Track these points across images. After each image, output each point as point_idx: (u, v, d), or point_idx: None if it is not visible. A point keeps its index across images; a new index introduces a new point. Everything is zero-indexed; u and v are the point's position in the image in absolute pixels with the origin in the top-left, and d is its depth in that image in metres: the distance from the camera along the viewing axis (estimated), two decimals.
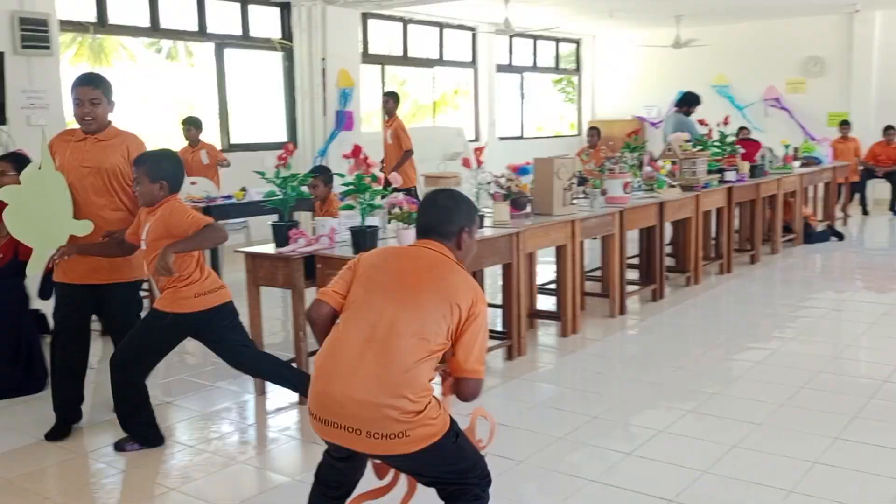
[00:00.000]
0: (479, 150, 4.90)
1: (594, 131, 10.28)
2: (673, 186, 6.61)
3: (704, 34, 13.20)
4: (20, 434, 3.97)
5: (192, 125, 7.85)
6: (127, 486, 3.50)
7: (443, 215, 2.58)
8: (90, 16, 8.28)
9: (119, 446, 3.76)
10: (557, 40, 15.03)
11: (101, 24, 8.38)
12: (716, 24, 13.34)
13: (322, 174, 5.62)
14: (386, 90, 9.72)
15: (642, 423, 3.99)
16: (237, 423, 4.22)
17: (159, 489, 3.39)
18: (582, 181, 6.11)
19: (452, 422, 2.45)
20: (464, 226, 2.59)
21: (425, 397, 2.35)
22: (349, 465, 2.59)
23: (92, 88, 3.79)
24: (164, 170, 3.58)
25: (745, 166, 7.74)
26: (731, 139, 7.83)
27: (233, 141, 9.73)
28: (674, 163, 6.92)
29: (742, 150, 7.82)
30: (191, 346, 5.85)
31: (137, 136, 3.99)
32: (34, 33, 6.94)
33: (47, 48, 7.06)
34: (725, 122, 7.89)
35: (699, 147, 7.40)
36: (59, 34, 7.32)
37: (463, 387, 2.44)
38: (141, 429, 3.76)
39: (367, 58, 11.23)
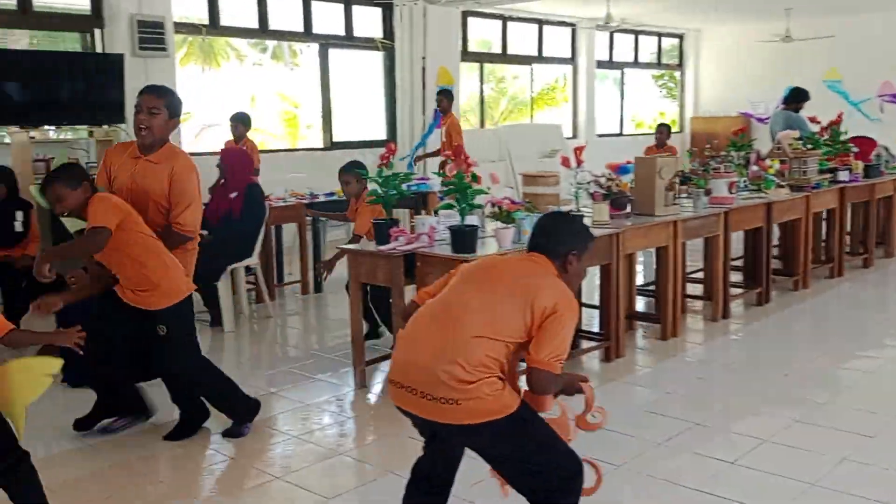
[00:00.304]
0: (579, 150, 4.85)
1: (663, 128, 9.66)
2: (781, 186, 6.38)
3: (816, 27, 12.63)
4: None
5: (239, 122, 7.67)
6: (232, 472, 3.64)
7: (553, 236, 2.63)
8: (203, 18, 8.63)
9: (232, 433, 3.90)
10: (660, 35, 14.70)
11: (214, 26, 8.73)
12: (828, 16, 12.75)
13: (355, 169, 5.50)
14: (440, 88, 9.64)
15: (745, 432, 3.87)
16: (337, 415, 4.33)
17: (264, 477, 3.52)
18: (685, 180, 5.97)
19: (522, 408, 2.45)
20: (572, 249, 2.61)
21: (481, 371, 2.38)
22: (436, 451, 2.65)
23: (154, 97, 3.71)
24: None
25: (859, 166, 7.39)
26: (844, 137, 7.49)
27: (335, 139, 9.96)
28: (783, 162, 6.67)
29: (856, 149, 7.47)
30: (293, 339, 6.08)
31: (188, 159, 3.87)
32: (151, 35, 7.29)
33: (164, 49, 7.39)
34: (838, 120, 7.54)
35: (810, 145, 7.10)
36: (174, 36, 7.64)
37: (532, 377, 2.44)
38: (239, 403, 3.92)
39: (466, 55, 11.29)
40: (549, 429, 2.53)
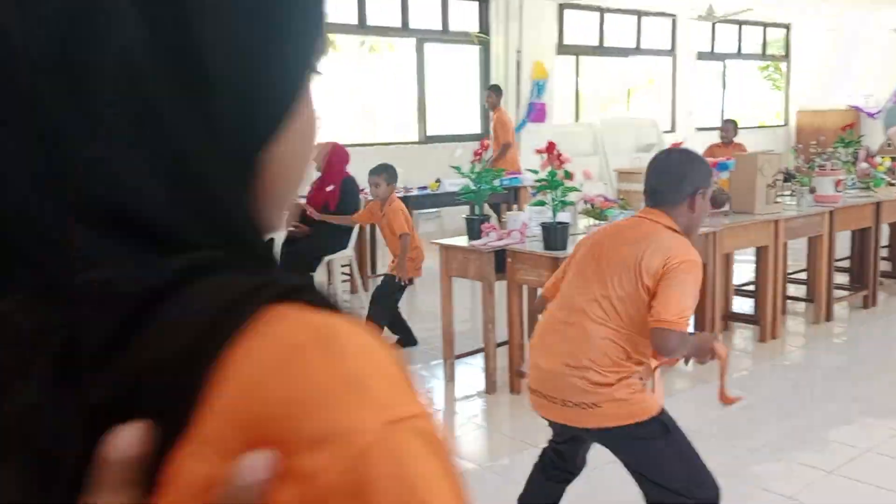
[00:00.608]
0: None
1: (729, 124, 8.61)
2: (892, 185, 6.09)
3: None
4: None
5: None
6: None
7: (673, 177, 2.44)
8: None
9: None
10: (765, 25, 14.19)
11: None
12: None
13: (385, 171, 5.25)
14: (490, 85, 9.41)
15: (845, 440, 3.73)
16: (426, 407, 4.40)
17: None
18: (788, 178, 5.77)
19: (664, 414, 2.40)
20: (698, 187, 2.41)
21: (615, 373, 2.34)
22: (571, 448, 2.65)
23: None
24: None
25: None
26: None
27: (428, 133, 10.07)
28: (894, 159, 6.36)
29: None
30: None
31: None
32: None
33: None
34: None
35: None
36: None
37: (655, 337, 2.29)
38: None
39: (562, 48, 11.19)
40: (689, 443, 2.45)
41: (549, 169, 4.11)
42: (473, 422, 4.15)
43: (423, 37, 9.83)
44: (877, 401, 4.22)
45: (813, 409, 4.20)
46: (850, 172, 6.04)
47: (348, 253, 6.23)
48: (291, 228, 5.82)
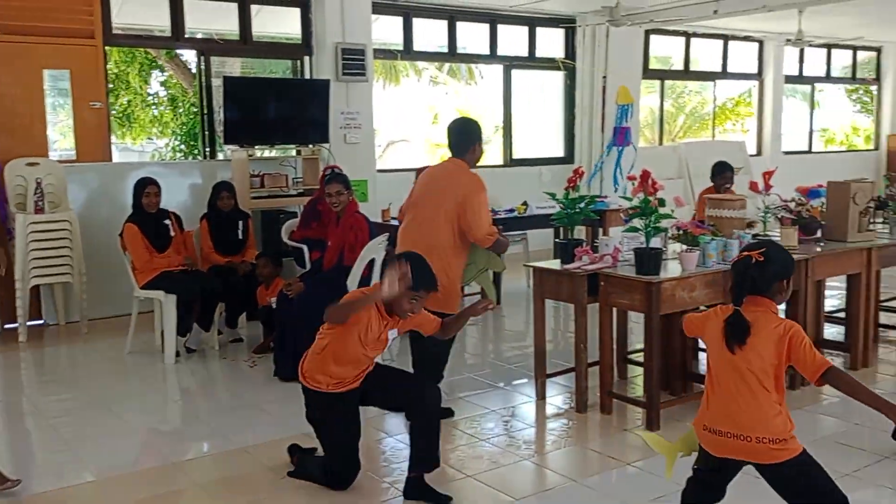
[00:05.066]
0: (768, 174, 4.84)
1: (724, 169, 7.04)
2: None
3: None
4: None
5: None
6: None
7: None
8: (398, 43, 9.22)
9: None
10: (854, 48, 13.93)
11: (407, 51, 9.29)
12: None
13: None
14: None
15: None
16: (518, 422, 4.57)
17: (455, 474, 3.82)
18: (881, 206, 5.75)
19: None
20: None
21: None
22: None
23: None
24: None
25: None
26: None
27: (514, 156, 10.27)
28: None
29: None
30: (470, 346, 6.39)
31: None
32: (353, 61, 7.90)
33: (363, 74, 7.99)
34: None
35: None
36: (373, 62, 8.24)
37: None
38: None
39: (647, 73, 11.26)
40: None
41: (641, 194, 4.25)
42: (564, 438, 4.29)
43: (511, 63, 10.07)
44: None
45: None
46: None
47: None
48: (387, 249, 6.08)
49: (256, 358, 5.80)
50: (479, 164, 4.50)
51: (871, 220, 5.31)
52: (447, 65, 12.64)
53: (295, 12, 8.13)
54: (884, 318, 6.10)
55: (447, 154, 4.55)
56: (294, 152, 7.77)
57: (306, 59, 8.20)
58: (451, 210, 4.26)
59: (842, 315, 5.87)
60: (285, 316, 5.22)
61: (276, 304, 5.42)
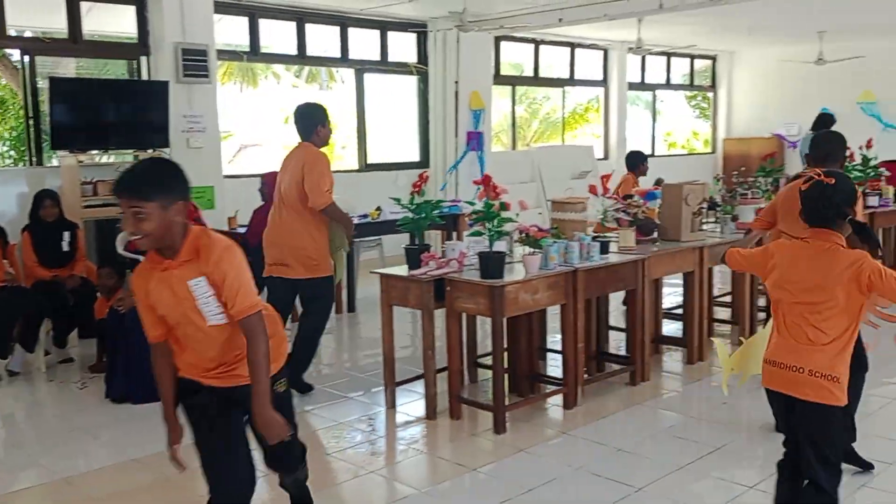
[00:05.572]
0: (605, 178, 4.98)
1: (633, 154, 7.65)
2: None
3: (850, 50, 12.61)
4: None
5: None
6: (268, 488, 3.80)
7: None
8: (244, 45, 8.91)
9: None
10: (692, 57, 14.76)
11: (254, 53, 9.00)
12: (863, 39, 12.71)
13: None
14: None
15: (769, 456, 3.92)
16: (368, 433, 4.47)
17: None
18: (713, 206, 6.05)
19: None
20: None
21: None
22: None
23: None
24: None
25: (890, 191, 7.40)
26: (874, 162, 7.50)
27: (369, 161, 10.17)
28: None
29: (886, 173, 7.47)
30: (327, 358, 6.24)
31: None
32: (195, 63, 7.56)
33: (206, 76, 7.66)
34: (868, 146, 7.56)
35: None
36: (216, 63, 7.91)
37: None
38: None
39: (499, 79, 11.46)
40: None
41: (485, 200, 4.26)
42: (414, 447, 4.23)
43: (363, 67, 9.97)
44: None
45: (739, 427, 4.40)
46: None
47: None
48: None
49: (88, 378, 5.41)
50: (327, 144, 4.89)
51: (704, 220, 5.57)
52: (307, 68, 12.41)
53: (130, 10, 7.70)
54: (723, 313, 6.43)
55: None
56: (132, 157, 7.33)
57: (143, 59, 7.77)
58: (300, 184, 4.68)
59: (680, 311, 6.13)
60: (117, 333, 4.89)
61: (106, 320, 5.07)
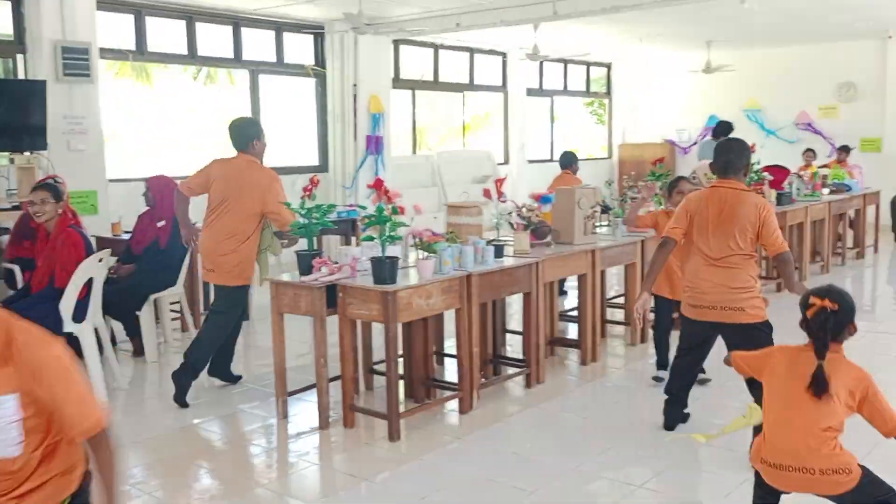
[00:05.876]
0: (499, 182, 4.98)
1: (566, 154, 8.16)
2: None
3: (736, 59, 13.19)
4: None
5: None
6: None
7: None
8: (130, 44, 8.54)
9: None
10: (588, 64, 15.10)
11: (140, 52, 8.65)
12: (748, 49, 13.32)
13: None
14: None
15: (659, 455, 4.00)
16: (259, 446, 4.33)
17: None
18: (605, 210, 6.16)
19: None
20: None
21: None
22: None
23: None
24: None
25: (773, 194, 7.72)
26: (757, 167, 7.81)
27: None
28: None
29: (770, 177, 7.79)
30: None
31: None
32: (75, 61, 7.19)
33: (88, 75, 7.30)
34: (751, 150, 7.85)
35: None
36: (99, 61, 7.56)
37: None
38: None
39: (398, 83, 11.40)
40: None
41: (378, 204, 4.19)
42: (306, 459, 4.11)
43: (257, 68, 9.73)
44: (693, 415, 4.51)
45: (630, 427, 4.44)
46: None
47: (177, 290, 6.02)
48: (112, 266, 5.56)
49: None
50: (262, 157, 5.10)
51: (597, 224, 5.66)
52: (204, 69, 12.02)
53: (6, 6, 7.27)
54: (618, 315, 6.55)
55: (208, 156, 5.15)
56: (6, 161, 6.91)
57: (20, 57, 7.35)
58: (254, 201, 4.82)
59: (576, 313, 6.21)
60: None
61: None
